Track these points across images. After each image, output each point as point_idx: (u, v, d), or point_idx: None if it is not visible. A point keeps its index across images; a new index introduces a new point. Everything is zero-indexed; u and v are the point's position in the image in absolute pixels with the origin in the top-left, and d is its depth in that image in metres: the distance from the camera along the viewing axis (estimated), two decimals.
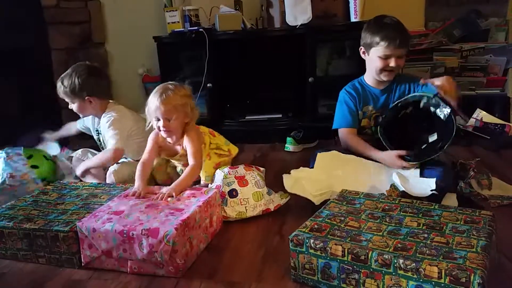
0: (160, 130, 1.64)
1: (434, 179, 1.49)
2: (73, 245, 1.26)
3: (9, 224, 1.31)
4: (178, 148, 1.72)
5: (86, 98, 1.89)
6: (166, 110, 1.60)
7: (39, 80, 2.72)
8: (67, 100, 1.93)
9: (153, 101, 1.61)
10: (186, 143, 1.67)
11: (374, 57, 1.73)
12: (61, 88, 1.89)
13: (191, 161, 1.62)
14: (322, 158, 1.69)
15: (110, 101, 2.01)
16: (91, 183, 1.75)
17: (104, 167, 1.89)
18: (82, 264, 1.26)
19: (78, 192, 1.57)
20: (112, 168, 1.84)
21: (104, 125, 1.91)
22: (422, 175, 1.57)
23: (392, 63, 1.69)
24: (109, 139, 1.85)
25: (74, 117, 2.14)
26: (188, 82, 1.72)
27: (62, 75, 1.90)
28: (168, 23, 2.65)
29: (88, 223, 1.24)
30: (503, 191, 1.61)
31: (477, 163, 1.64)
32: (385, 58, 1.70)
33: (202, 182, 1.71)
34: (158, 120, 1.62)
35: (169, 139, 1.70)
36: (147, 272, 1.20)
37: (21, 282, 1.22)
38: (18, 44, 2.61)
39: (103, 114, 1.94)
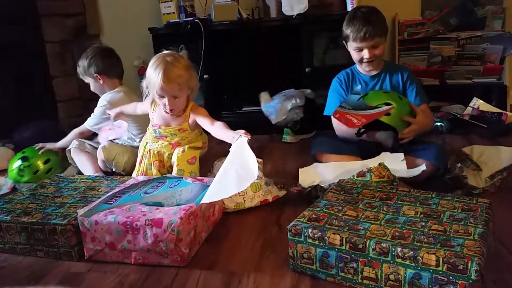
0: (164, 107, 1.61)
1: (424, 164, 1.52)
2: (72, 238, 1.26)
3: (7, 218, 1.31)
4: (179, 120, 1.69)
5: (95, 75, 2.00)
6: (171, 89, 1.57)
7: (34, 73, 2.70)
8: (85, 80, 2.07)
9: (154, 77, 1.56)
10: (197, 116, 1.67)
11: (351, 50, 1.80)
12: (78, 68, 2.05)
13: (216, 122, 1.61)
14: (304, 173, 1.71)
15: (121, 85, 2.08)
16: (89, 176, 1.75)
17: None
18: (86, 258, 1.26)
19: (75, 185, 1.57)
20: (101, 145, 1.92)
21: (98, 105, 2.02)
22: (414, 155, 1.60)
23: (366, 54, 1.74)
24: (91, 117, 2.01)
25: (70, 111, 2.14)
26: (182, 47, 1.68)
27: (87, 55, 2.03)
28: (163, 14, 2.63)
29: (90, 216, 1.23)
30: (493, 162, 1.61)
31: (460, 169, 1.59)
32: (358, 50, 1.75)
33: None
34: (162, 97, 1.59)
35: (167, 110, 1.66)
36: (152, 262, 1.20)
37: (19, 276, 1.22)
38: (12, 37, 2.58)
39: (105, 94, 2.03)
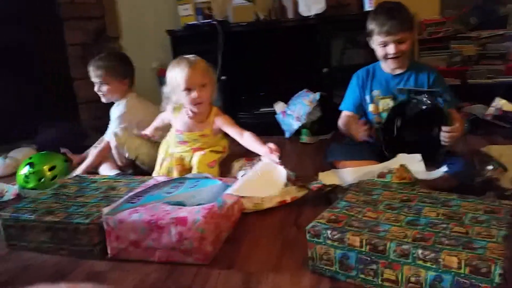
0: (190, 104, 1.63)
1: (445, 166, 1.50)
2: (94, 237, 1.28)
3: (32, 217, 1.34)
4: (202, 126, 1.71)
5: (118, 79, 2.02)
6: (199, 76, 1.60)
7: (56, 76, 2.76)
8: (99, 81, 2.01)
9: (180, 72, 1.59)
10: (224, 125, 1.70)
11: (375, 45, 1.74)
12: (104, 68, 2.00)
13: (245, 132, 1.66)
14: (324, 176, 1.70)
15: (132, 92, 2.10)
16: (109, 176, 1.78)
17: (101, 160, 2.00)
18: (109, 256, 1.27)
19: (97, 185, 1.60)
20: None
21: (113, 114, 2.02)
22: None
23: (391, 49, 1.67)
24: (109, 130, 1.99)
25: (91, 112, 2.18)
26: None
27: (96, 59, 2.02)
28: (181, 16, 2.66)
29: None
30: None
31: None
32: (383, 45, 1.69)
33: None
34: (188, 90, 1.61)
35: (190, 114, 1.69)
36: (175, 260, 1.22)
37: (44, 274, 1.25)
38: (35, 40, 2.65)
39: (118, 102, 2.04)
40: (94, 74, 2.02)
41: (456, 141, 1.59)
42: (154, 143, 1.92)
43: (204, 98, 1.64)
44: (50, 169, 1.93)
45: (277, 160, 1.49)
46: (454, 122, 1.56)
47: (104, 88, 2.03)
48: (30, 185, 1.89)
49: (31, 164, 1.92)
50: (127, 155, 1.93)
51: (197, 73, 1.60)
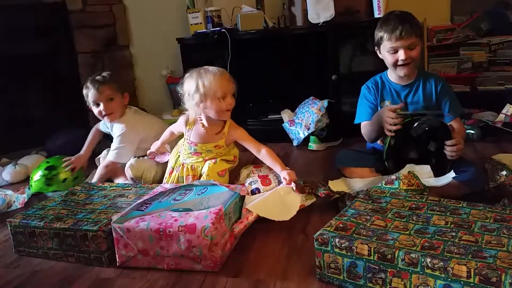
0: (221, 112, 1.64)
1: (452, 171, 1.48)
2: (102, 244, 1.28)
3: (40, 224, 1.35)
4: (217, 137, 1.72)
5: (125, 93, 2.01)
6: (231, 84, 1.64)
7: (66, 83, 2.80)
8: (108, 93, 1.93)
9: (213, 80, 1.60)
10: (240, 139, 1.72)
11: (384, 53, 1.72)
12: (104, 84, 1.92)
13: (262, 149, 1.67)
14: (333, 185, 1.69)
15: (129, 108, 2.08)
16: (118, 183, 1.79)
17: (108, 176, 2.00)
18: (118, 264, 1.27)
19: (105, 193, 1.61)
20: (129, 163, 1.91)
21: (115, 133, 1.99)
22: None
23: (401, 55, 1.65)
24: (111, 150, 1.97)
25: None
26: None
27: (97, 76, 1.95)
28: (191, 24, 2.68)
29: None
30: None
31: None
32: (393, 52, 1.68)
33: None
34: (219, 98, 1.62)
35: (205, 122, 1.71)
36: (184, 267, 1.22)
37: (52, 280, 1.25)
38: (46, 48, 2.69)
39: (117, 121, 1.99)
40: (97, 93, 1.90)
41: (461, 152, 1.57)
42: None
43: (233, 104, 1.68)
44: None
45: (294, 189, 1.51)
46: (454, 134, 1.54)
47: (113, 105, 1.95)
48: (53, 187, 1.91)
49: (52, 167, 1.95)
50: (143, 183, 1.88)
51: (230, 81, 1.65)
